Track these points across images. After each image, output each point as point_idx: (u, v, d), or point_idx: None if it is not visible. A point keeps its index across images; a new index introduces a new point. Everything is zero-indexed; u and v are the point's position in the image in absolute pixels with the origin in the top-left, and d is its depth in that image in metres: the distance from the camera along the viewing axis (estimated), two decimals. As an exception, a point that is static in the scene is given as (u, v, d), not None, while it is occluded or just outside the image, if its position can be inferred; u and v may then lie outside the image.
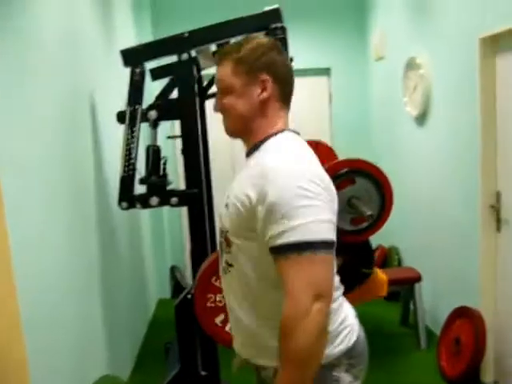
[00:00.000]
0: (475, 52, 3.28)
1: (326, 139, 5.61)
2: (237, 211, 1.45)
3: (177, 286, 5.09)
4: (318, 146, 4.07)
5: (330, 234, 1.37)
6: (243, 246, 1.48)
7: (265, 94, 1.52)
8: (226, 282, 1.62)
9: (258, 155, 1.52)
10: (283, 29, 3.07)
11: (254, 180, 1.42)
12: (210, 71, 4.12)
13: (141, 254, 4.81)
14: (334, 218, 1.42)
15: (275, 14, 3.10)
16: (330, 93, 5.73)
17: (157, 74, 3.88)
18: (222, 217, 1.56)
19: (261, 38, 1.61)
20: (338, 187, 3.33)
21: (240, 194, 1.45)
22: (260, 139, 1.54)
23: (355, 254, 3.59)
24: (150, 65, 3.82)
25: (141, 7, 5.24)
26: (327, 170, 1.49)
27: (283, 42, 3.03)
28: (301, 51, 5.59)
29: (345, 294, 1.65)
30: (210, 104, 4.02)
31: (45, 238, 2.23)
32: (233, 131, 1.59)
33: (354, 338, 1.57)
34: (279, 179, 1.37)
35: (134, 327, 4.16)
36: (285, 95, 1.57)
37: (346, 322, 1.57)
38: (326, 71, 5.71)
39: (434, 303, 4.14)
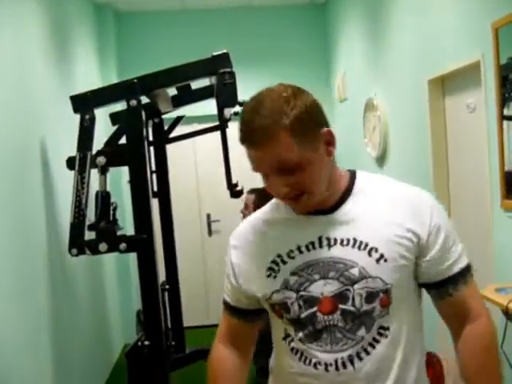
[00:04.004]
0: (425, 94, 3.30)
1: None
2: (401, 257, 1.29)
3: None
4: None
5: None
6: (404, 295, 1.34)
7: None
8: (373, 360, 1.31)
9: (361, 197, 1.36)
10: (232, 73, 3.05)
11: (408, 215, 1.31)
12: (171, 115, 4.16)
13: (104, 298, 4.71)
14: None
15: (224, 59, 3.09)
16: (296, 134, 5.73)
17: (116, 118, 3.89)
18: (374, 272, 1.29)
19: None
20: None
21: (396, 237, 1.29)
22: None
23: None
24: (111, 109, 3.83)
25: (106, 51, 5.26)
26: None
27: (232, 86, 3.03)
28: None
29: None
30: (171, 147, 4.13)
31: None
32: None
33: None
34: (436, 206, 1.36)
35: (92, 373, 4.05)
36: None
37: None
38: (292, 113, 5.72)
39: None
